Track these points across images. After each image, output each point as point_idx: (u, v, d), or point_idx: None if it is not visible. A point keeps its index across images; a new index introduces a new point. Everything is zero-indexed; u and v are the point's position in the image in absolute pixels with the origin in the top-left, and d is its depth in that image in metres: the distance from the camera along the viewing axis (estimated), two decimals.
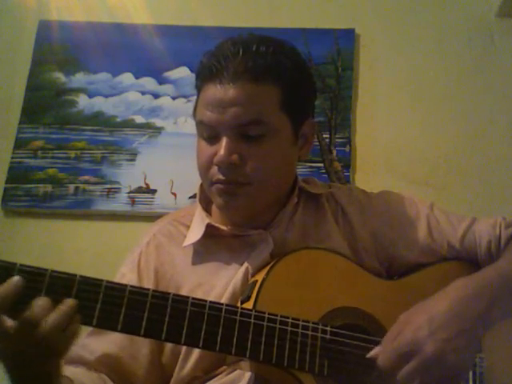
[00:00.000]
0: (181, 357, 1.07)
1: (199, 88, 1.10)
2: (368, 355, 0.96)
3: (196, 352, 1.05)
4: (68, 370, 0.96)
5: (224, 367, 1.03)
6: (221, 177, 1.05)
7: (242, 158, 1.04)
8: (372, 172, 1.80)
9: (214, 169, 1.06)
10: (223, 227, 1.13)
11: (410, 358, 0.90)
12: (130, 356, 1.08)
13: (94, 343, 1.08)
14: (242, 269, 1.08)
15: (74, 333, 0.85)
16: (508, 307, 0.98)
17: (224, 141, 1.04)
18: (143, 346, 1.08)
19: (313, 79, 1.17)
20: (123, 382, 1.07)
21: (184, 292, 1.09)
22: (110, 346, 1.07)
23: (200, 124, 1.09)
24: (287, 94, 1.07)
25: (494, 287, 0.98)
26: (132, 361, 1.08)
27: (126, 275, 1.14)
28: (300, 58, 1.14)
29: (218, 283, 1.09)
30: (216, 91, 1.04)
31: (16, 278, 0.83)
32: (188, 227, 1.17)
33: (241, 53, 1.04)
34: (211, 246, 1.13)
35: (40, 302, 0.83)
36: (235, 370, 1.01)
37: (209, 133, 1.07)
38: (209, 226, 1.13)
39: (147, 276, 1.13)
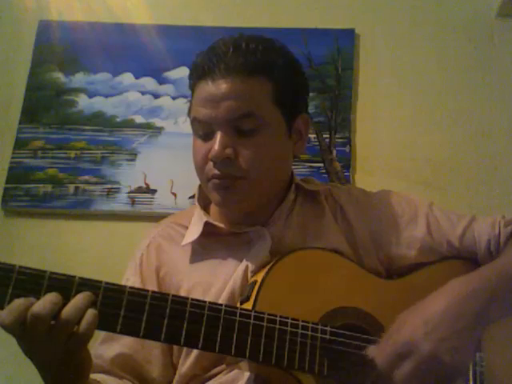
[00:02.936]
0: (182, 355, 1.08)
1: (193, 88, 1.12)
2: (364, 352, 0.96)
3: (195, 350, 1.05)
4: (92, 375, 0.97)
5: (223, 366, 1.03)
6: (216, 172, 1.06)
7: (236, 151, 1.06)
8: (372, 172, 1.80)
9: (210, 165, 1.07)
10: (221, 225, 1.14)
11: (407, 358, 0.90)
12: (144, 359, 1.10)
13: (107, 351, 1.09)
14: (242, 267, 1.08)
15: (89, 327, 0.84)
16: (507, 305, 0.98)
17: (218, 135, 1.05)
18: (154, 347, 1.10)
19: (304, 75, 1.18)
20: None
21: (183, 290, 1.10)
22: (123, 350, 1.09)
23: (195, 121, 1.10)
24: (279, 89, 1.09)
25: (491, 285, 0.98)
26: (147, 364, 1.10)
27: (129, 279, 1.16)
28: (290, 54, 1.15)
29: (216, 281, 1.09)
30: (208, 88, 1.06)
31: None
32: (187, 228, 1.18)
33: (231, 50, 1.06)
34: (209, 245, 1.14)
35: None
36: (234, 369, 1.01)
37: (204, 130, 1.08)
38: (207, 224, 1.13)
39: (150, 277, 1.15)
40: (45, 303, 0.82)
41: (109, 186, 1.81)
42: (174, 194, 1.79)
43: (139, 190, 1.81)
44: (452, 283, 0.98)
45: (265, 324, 0.93)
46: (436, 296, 0.96)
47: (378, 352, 0.94)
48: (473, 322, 0.93)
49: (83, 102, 1.91)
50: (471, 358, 0.96)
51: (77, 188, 1.81)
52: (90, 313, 0.84)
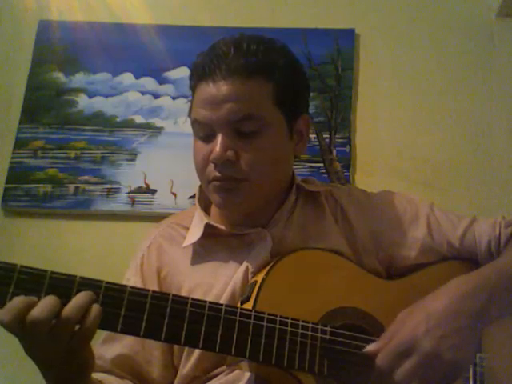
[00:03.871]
0: (183, 356, 1.08)
1: (193, 88, 1.11)
2: (364, 350, 0.96)
3: (197, 352, 1.06)
4: (93, 375, 0.97)
5: (224, 367, 1.03)
6: (217, 174, 1.06)
7: (237, 153, 1.05)
8: (372, 172, 1.80)
9: (211, 167, 1.07)
10: (222, 227, 1.14)
11: (409, 356, 0.90)
12: (144, 360, 1.10)
13: (107, 351, 1.10)
14: (242, 268, 1.08)
15: (93, 321, 0.84)
16: (507, 304, 0.99)
17: (219, 137, 1.05)
18: (154, 348, 1.10)
19: (305, 75, 1.18)
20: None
21: (184, 291, 1.10)
22: (124, 351, 1.09)
23: (195, 123, 1.10)
24: (280, 90, 1.09)
25: (492, 284, 0.98)
26: (147, 364, 1.10)
27: (130, 280, 1.16)
28: (291, 54, 1.15)
29: (217, 283, 1.09)
30: (209, 89, 1.05)
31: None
32: (187, 229, 1.18)
33: (232, 51, 1.06)
34: (210, 246, 1.14)
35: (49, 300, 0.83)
36: (235, 370, 1.01)
37: (204, 131, 1.08)
38: (207, 226, 1.13)
39: (150, 278, 1.14)
40: (43, 307, 0.81)
41: (109, 186, 1.82)
42: (174, 194, 1.79)
43: (139, 190, 1.81)
44: (452, 282, 0.98)
45: (265, 324, 0.93)
46: (436, 294, 0.97)
47: (378, 350, 0.94)
48: (473, 321, 0.93)
49: (83, 102, 1.91)
50: (472, 357, 0.96)
51: (77, 188, 1.81)
52: (95, 308, 0.84)
